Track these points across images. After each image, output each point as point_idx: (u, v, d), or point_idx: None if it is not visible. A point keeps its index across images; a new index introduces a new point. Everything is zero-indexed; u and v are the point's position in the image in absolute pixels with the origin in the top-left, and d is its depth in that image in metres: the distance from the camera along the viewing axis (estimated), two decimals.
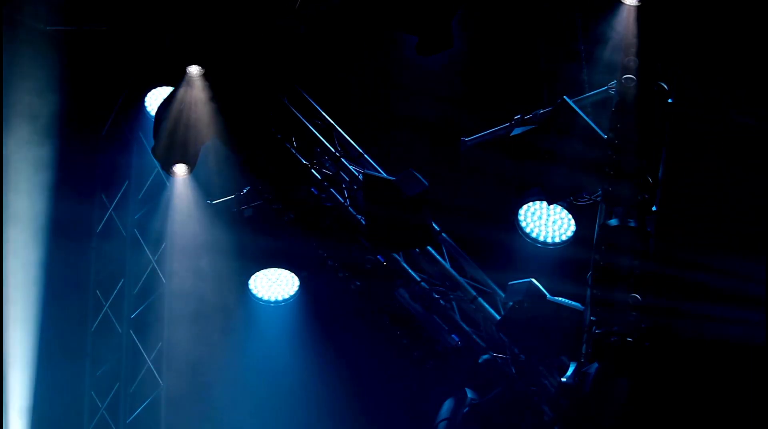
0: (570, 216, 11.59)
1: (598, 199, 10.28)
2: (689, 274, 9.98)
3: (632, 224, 9.98)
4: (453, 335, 11.73)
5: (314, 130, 11.65)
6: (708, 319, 9.93)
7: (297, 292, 13.68)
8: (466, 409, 11.31)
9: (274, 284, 13.68)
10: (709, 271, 9.92)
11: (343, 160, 11.61)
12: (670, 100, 9.69)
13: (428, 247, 11.66)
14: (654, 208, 9.93)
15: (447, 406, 11.51)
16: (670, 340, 10.02)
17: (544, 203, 11.47)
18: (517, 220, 11.62)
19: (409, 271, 11.71)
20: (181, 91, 11.32)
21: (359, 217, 11.54)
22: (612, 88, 10.20)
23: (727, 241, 9.93)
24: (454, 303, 11.72)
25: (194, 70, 11.22)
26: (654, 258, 9.96)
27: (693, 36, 9.61)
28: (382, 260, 11.68)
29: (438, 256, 11.68)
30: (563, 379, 10.50)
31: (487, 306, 11.59)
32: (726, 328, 9.89)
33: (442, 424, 11.42)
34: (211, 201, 12.48)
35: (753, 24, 9.54)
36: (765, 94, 9.61)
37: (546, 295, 10.74)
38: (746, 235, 9.88)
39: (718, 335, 9.90)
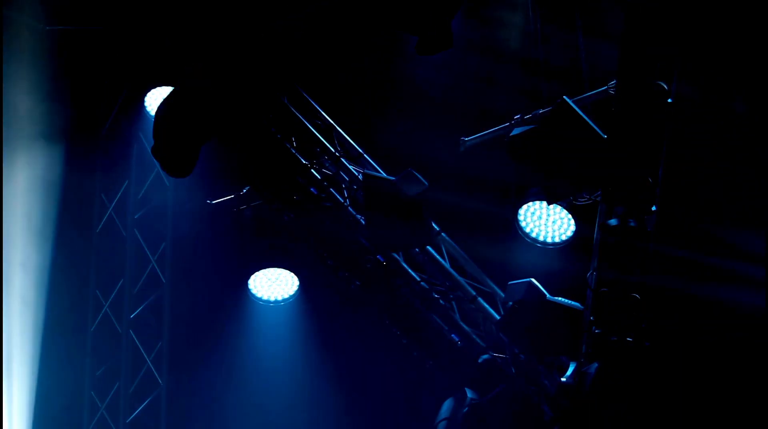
0: (570, 216, 11.59)
1: (598, 199, 10.28)
2: (690, 274, 9.99)
3: (632, 224, 9.98)
4: (453, 335, 11.74)
5: (314, 130, 11.65)
6: (708, 319, 9.94)
7: (297, 292, 13.68)
8: (466, 409, 11.32)
9: (274, 284, 13.68)
10: (709, 271, 9.92)
11: (343, 160, 11.61)
12: (670, 100, 9.69)
13: (428, 247, 11.66)
14: (654, 208, 9.92)
15: (447, 406, 11.52)
16: (670, 340, 10.02)
17: (544, 203, 11.47)
18: (517, 220, 11.62)
19: (409, 271, 11.71)
20: (181, 91, 11.30)
21: (359, 217, 11.54)
22: (612, 88, 10.20)
23: (727, 240, 9.93)
24: (454, 303, 11.73)
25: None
26: (654, 258, 9.96)
27: (693, 36, 9.61)
28: (382, 260, 11.68)
29: (438, 256, 11.68)
30: (563, 379, 10.50)
31: (487, 306, 11.60)
32: (726, 327, 9.89)
33: (442, 424, 11.43)
34: (211, 201, 12.48)
35: (753, 23, 9.54)
36: (765, 94, 9.61)
37: (546, 295, 10.74)
38: (746, 234, 9.88)
39: (718, 334, 9.90)
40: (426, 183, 11.00)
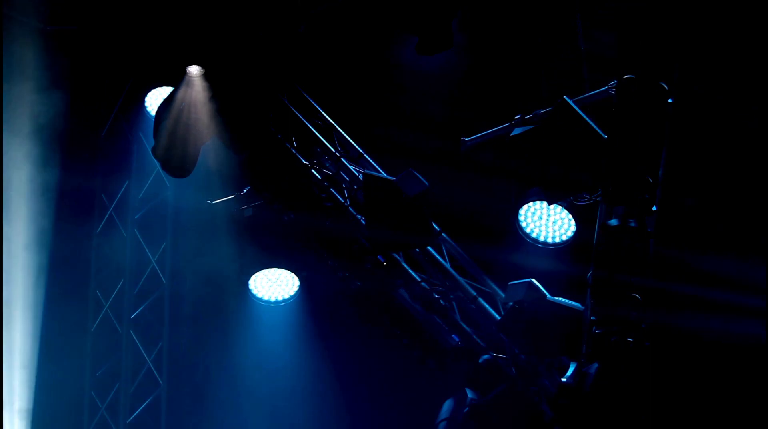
0: (570, 216, 11.59)
1: (598, 199, 10.27)
2: (689, 274, 9.98)
3: (632, 224, 9.98)
4: (453, 335, 11.73)
5: (314, 130, 11.65)
6: (708, 319, 9.93)
7: (297, 292, 13.68)
8: (466, 409, 11.31)
9: (274, 284, 13.68)
10: (709, 270, 9.92)
11: (343, 160, 11.61)
12: (670, 100, 9.68)
13: (428, 247, 11.66)
14: (654, 208, 9.92)
15: (447, 406, 11.51)
16: (670, 340, 10.02)
17: (544, 203, 11.47)
18: (517, 221, 11.62)
19: (409, 271, 11.71)
20: (181, 91, 11.32)
21: (359, 217, 11.54)
22: (612, 88, 10.19)
23: (727, 240, 9.93)
24: (454, 303, 11.72)
25: (194, 70, 11.22)
26: (654, 258, 9.95)
27: (694, 36, 9.61)
28: (382, 260, 11.68)
29: (438, 256, 11.68)
30: (563, 379, 10.49)
31: (487, 306, 11.59)
32: (726, 327, 9.89)
33: (442, 424, 11.42)
34: (211, 201, 12.48)
35: (753, 23, 9.54)
36: (765, 94, 9.61)
37: (546, 295, 10.73)
38: (746, 233, 9.88)
39: (718, 334, 9.90)
40: (426, 183, 11.00)
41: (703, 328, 9.89)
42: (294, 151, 11.59)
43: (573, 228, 11.63)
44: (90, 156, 14.03)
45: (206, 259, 13.80)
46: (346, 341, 13.55)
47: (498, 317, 11.41)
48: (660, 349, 9.95)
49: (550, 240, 11.65)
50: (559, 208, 11.55)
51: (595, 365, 10.05)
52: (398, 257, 11.71)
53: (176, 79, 11.33)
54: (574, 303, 10.63)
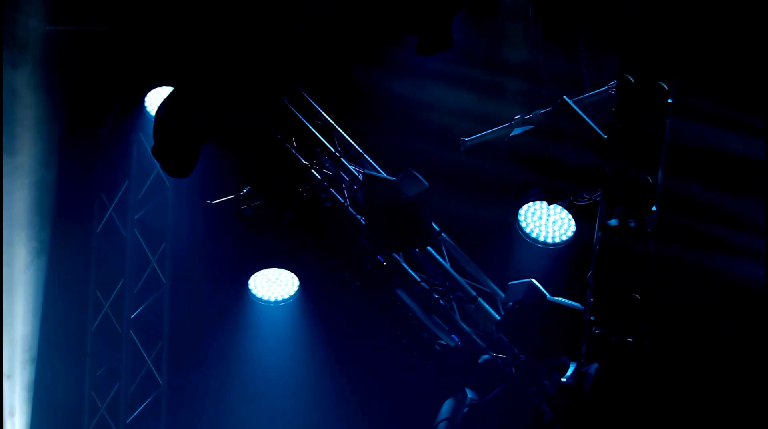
0: (570, 216, 11.60)
1: (598, 199, 10.28)
2: (689, 274, 9.98)
3: (632, 224, 9.98)
4: (453, 335, 11.73)
5: (314, 130, 11.65)
6: (708, 318, 9.93)
7: (297, 292, 13.69)
8: (466, 409, 11.31)
9: (274, 284, 13.68)
10: (709, 270, 9.92)
11: (343, 160, 11.61)
12: (670, 100, 9.69)
13: (428, 247, 11.66)
14: (654, 208, 9.92)
15: (447, 406, 11.51)
16: (670, 340, 10.02)
17: (544, 203, 11.47)
18: (517, 220, 11.63)
19: (409, 271, 11.71)
20: (181, 91, 11.30)
21: (359, 217, 11.54)
22: (612, 88, 10.20)
23: (727, 240, 9.93)
24: (454, 303, 11.72)
25: (194, 70, 11.21)
26: (654, 258, 9.95)
27: (693, 35, 9.61)
28: (382, 260, 11.68)
29: (438, 256, 11.68)
30: (563, 379, 10.50)
31: (487, 306, 11.59)
32: (725, 326, 9.89)
33: (442, 424, 11.43)
34: (211, 201, 12.48)
35: (754, 23, 9.54)
36: (765, 94, 9.61)
37: (546, 295, 10.73)
38: (746, 233, 9.88)
39: (717, 334, 9.90)
40: (426, 183, 11.00)
41: (703, 326, 9.90)
42: (294, 151, 11.58)
43: (573, 228, 11.64)
44: (90, 156, 14.03)
45: (206, 260, 13.80)
46: (346, 341, 13.56)
47: (498, 317, 11.41)
48: (660, 348, 9.95)
49: (550, 240, 11.65)
50: (559, 208, 11.56)
51: (595, 365, 10.05)
52: (398, 257, 11.70)
53: (176, 79, 11.33)
54: (574, 303, 10.63)
